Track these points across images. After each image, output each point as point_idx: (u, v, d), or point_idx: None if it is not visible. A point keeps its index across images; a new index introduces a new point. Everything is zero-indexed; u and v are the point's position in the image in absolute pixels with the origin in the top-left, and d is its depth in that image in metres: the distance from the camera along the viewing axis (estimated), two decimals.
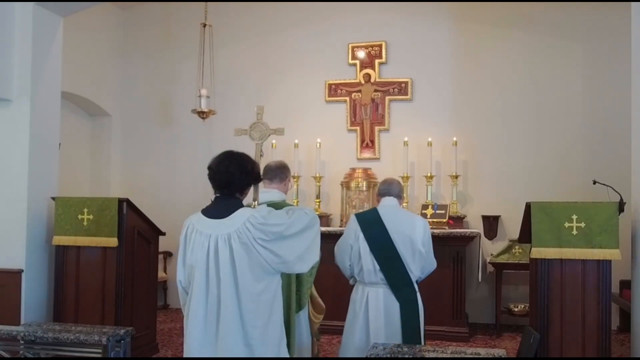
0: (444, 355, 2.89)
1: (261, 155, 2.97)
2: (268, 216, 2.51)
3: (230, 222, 2.50)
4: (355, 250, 3.56)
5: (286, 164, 3.51)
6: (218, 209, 2.57)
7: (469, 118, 6.72)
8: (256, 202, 2.78)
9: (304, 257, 2.56)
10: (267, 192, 3.29)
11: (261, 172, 2.78)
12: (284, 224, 2.51)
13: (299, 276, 3.22)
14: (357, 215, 3.68)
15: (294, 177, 6.49)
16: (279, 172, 3.38)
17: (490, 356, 2.85)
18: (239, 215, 2.51)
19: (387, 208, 3.62)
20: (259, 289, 2.49)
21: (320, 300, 3.56)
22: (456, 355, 2.88)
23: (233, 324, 2.46)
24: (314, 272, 3.33)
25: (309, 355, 3.43)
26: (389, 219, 3.55)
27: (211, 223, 2.54)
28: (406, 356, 2.82)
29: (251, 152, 2.77)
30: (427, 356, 2.84)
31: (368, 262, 3.52)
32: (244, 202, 2.66)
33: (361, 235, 3.54)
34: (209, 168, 2.63)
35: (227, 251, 2.48)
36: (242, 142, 3.17)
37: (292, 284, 3.21)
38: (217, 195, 2.64)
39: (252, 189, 2.74)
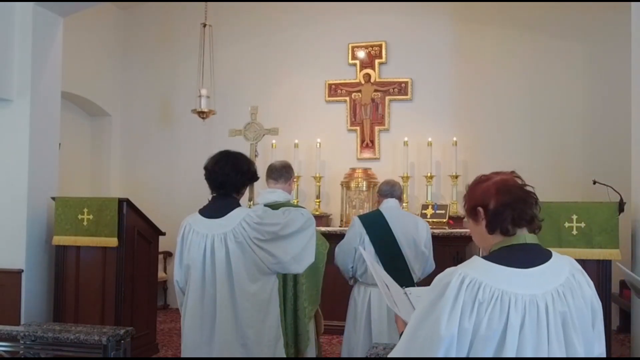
0: None
1: (256, 155, 2.97)
2: (264, 216, 2.51)
3: (227, 221, 2.50)
4: (359, 253, 3.53)
5: (290, 164, 3.49)
6: (214, 209, 2.57)
7: (469, 118, 6.71)
8: (252, 202, 2.79)
9: (299, 257, 2.57)
10: (273, 192, 3.26)
11: (257, 171, 2.77)
12: (279, 224, 2.51)
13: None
14: (361, 217, 3.66)
15: None
16: (285, 172, 3.36)
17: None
18: (235, 214, 2.51)
19: (390, 209, 3.61)
20: (254, 289, 2.49)
21: (321, 319, 3.59)
22: None
23: (228, 324, 2.47)
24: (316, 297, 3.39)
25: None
26: (392, 220, 3.54)
27: (208, 223, 2.55)
28: None
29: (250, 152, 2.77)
30: None
31: None
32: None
33: (367, 238, 3.53)
34: (205, 168, 2.63)
35: (223, 251, 2.48)
36: (241, 142, 3.16)
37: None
38: (214, 195, 2.64)
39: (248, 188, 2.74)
